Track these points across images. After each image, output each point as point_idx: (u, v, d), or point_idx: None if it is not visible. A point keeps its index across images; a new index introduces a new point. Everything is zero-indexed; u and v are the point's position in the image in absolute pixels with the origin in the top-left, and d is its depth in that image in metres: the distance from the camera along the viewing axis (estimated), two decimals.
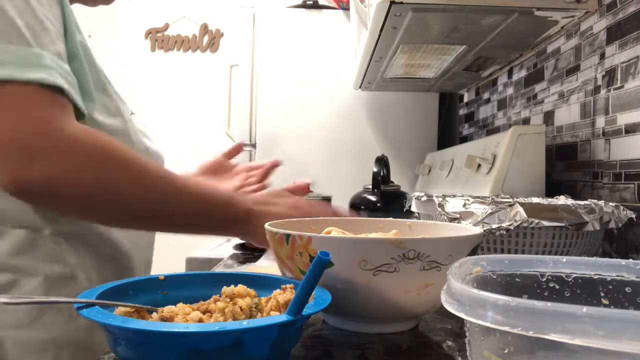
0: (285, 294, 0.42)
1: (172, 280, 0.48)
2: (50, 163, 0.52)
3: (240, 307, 0.40)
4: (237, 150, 1.03)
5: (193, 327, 0.34)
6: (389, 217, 0.68)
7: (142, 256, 0.80)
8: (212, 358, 0.34)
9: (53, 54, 0.56)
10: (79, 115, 0.61)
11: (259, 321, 0.35)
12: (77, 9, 0.78)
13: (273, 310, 0.41)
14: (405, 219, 0.64)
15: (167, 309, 0.39)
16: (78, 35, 0.66)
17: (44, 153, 0.52)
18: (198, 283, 0.49)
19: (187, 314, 0.39)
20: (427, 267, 0.44)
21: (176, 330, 0.33)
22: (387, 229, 0.62)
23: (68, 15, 0.64)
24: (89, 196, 0.56)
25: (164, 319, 0.39)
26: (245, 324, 0.34)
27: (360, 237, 0.50)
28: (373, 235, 0.55)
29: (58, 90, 0.55)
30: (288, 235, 0.47)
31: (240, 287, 0.43)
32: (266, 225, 0.53)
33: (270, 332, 0.35)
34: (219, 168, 0.99)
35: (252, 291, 0.44)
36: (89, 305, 0.38)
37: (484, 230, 0.63)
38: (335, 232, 0.56)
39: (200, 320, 0.38)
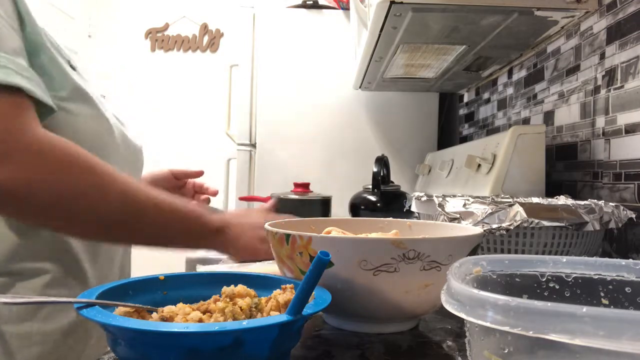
0: (285, 294, 0.42)
1: (172, 280, 0.48)
2: (12, 168, 0.51)
3: (240, 307, 0.40)
4: (195, 175, 1.02)
5: (193, 327, 0.34)
6: (389, 217, 0.68)
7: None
8: (212, 358, 0.34)
9: (7, 52, 0.54)
10: (49, 111, 0.59)
11: (259, 321, 0.35)
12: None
13: (273, 310, 0.41)
14: (405, 219, 0.64)
15: (167, 309, 0.39)
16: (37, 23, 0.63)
17: (7, 158, 0.51)
18: (198, 283, 0.49)
19: (187, 314, 0.39)
20: (427, 267, 0.44)
21: (176, 330, 0.33)
22: (387, 229, 0.62)
23: (21, 5, 0.60)
24: (52, 203, 0.54)
25: (164, 319, 0.39)
26: (245, 324, 0.34)
27: (360, 237, 0.50)
28: (373, 235, 0.55)
29: (18, 90, 0.53)
30: (288, 235, 0.47)
31: (240, 287, 0.43)
32: (266, 225, 0.53)
33: (271, 332, 0.35)
34: (166, 183, 0.98)
35: (252, 291, 0.44)
36: (89, 305, 0.38)
37: (484, 230, 0.63)
38: (336, 232, 0.56)
39: (200, 320, 0.38)
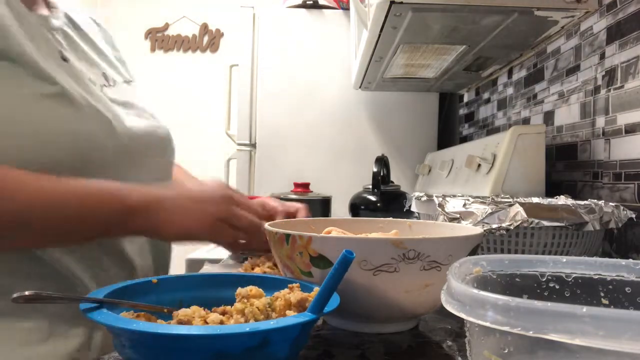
0: (295, 294, 0.42)
1: (165, 283, 0.47)
2: None
3: (258, 308, 0.40)
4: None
5: (226, 329, 0.33)
6: (389, 217, 0.68)
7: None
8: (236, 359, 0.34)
9: None
10: None
11: (285, 320, 0.35)
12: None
13: (282, 309, 0.41)
14: (405, 219, 0.64)
15: (182, 312, 0.39)
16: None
17: None
18: (190, 285, 0.48)
19: (203, 316, 0.38)
20: (428, 267, 0.44)
21: (209, 332, 0.33)
22: (387, 229, 0.62)
23: None
24: None
25: (181, 323, 0.38)
26: (273, 323, 0.34)
27: (360, 237, 0.50)
28: (373, 235, 0.55)
29: None
30: (288, 235, 0.47)
31: (254, 288, 0.43)
32: (266, 225, 0.52)
33: (295, 331, 0.35)
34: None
35: (262, 292, 0.44)
36: (98, 307, 0.37)
37: (484, 230, 0.63)
38: (336, 232, 0.56)
39: (222, 322, 0.38)
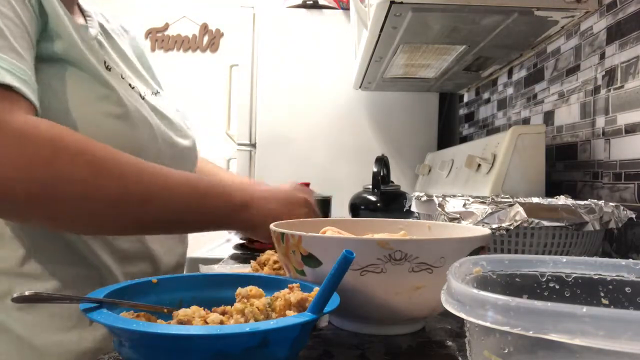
0: (295, 294, 0.42)
1: (165, 283, 0.47)
2: None
3: (258, 308, 0.39)
4: None
5: (226, 329, 0.33)
6: (388, 217, 0.68)
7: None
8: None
9: (6, 53, 0.52)
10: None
11: (285, 320, 0.35)
12: None
13: (282, 309, 0.41)
14: (425, 221, 0.63)
15: (182, 312, 0.39)
16: (62, 31, 0.61)
17: None
18: (191, 285, 0.48)
19: (203, 316, 0.38)
20: (417, 269, 0.43)
21: (209, 333, 0.33)
22: (397, 230, 0.62)
23: (51, 18, 0.60)
24: (42, 195, 0.49)
25: (182, 323, 0.38)
26: (273, 323, 0.34)
27: (346, 236, 0.50)
28: (378, 236, 0.55)
29: (9, 88, 0.51)
30: (283, 234, 0.48)
31: (254, 288, 0.43)
32: (271, 226, 0.52)
33: (294, 331, 0.35)
34: None
35: (262, 292, 0.43)
36: (98, 307, 0.37)
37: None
38: (331, 232, 0.56)
39: (222, 322, 0.37)
